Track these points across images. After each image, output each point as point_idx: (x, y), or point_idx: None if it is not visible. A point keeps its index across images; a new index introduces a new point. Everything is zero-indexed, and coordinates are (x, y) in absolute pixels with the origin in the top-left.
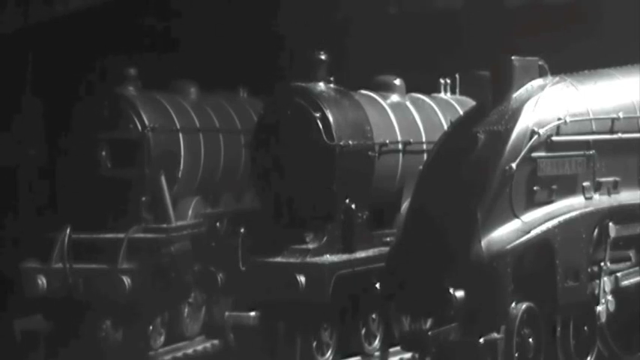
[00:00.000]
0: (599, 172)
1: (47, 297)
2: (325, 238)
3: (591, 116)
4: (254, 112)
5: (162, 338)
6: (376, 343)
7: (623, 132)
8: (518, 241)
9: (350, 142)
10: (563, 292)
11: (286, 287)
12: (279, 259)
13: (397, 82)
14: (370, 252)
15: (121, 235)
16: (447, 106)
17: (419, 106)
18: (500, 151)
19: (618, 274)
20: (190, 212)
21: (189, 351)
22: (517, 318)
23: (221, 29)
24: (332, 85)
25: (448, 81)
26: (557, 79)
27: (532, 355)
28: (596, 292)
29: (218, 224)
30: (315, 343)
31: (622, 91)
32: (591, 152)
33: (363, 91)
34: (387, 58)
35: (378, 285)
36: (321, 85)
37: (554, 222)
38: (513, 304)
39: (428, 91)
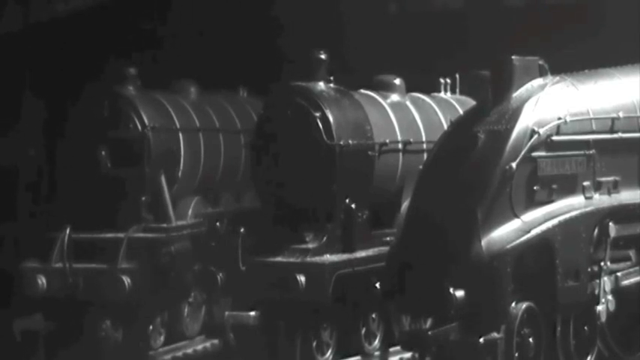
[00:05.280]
0: (600, 171)
1: (47, 297)
2: (325, 238)
3: (591, 116)
4: (254, 112)
5: (162, 338)
6: (376, 343)
7: (624, 131)
8: (518, 241)
9: (350, 141)
10: (564, 292)
11: (286, 287)
12: (279, 259)
13: (397, 81)
14: (370, 252)
15: (121, 235)
16: (447, 105)
17: (419, 105)
18: (501, 151)
19: (618, 274)
20: (190, 212)
21: (189, 351)
22: (517, 318)
23: (221, 29)
24: (332, 85)
25: (448, 81)
26: (557, 78)
27: (532, 355)
28: (597, 291)
29: (218, 224)
30: (315, 343)
31: (622, 90)
32: (591, 152)
33: (363, 91)
34: (387, 57)
35: (378, 285)
36: (321, 85)
37: (555, 222)
38: (513, 304)
39: (428, 91)
